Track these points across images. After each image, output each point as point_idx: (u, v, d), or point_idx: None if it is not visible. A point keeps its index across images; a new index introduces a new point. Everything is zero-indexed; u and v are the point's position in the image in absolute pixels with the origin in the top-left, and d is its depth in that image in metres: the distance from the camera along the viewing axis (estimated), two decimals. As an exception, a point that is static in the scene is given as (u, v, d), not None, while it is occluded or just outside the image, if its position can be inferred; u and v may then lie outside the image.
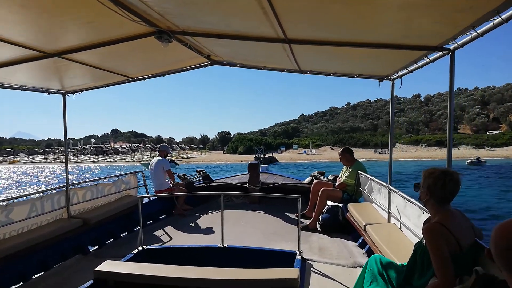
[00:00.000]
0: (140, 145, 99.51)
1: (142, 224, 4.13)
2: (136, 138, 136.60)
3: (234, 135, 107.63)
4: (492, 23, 2.26)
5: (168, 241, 5.38)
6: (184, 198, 7.07)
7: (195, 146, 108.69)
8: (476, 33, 2.46)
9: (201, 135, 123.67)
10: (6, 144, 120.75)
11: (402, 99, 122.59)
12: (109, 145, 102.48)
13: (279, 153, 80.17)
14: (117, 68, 4.66)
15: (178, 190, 7.02)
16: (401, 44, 3.13)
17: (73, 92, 5.33)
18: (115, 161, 70.95)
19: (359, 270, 3.52)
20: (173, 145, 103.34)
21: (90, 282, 2.95)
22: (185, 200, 7.14)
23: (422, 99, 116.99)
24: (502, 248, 1.29)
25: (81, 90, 5.35)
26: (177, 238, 5.48)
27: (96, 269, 3.00)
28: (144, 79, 5.26)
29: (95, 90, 5.51)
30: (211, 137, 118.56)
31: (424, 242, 2.21)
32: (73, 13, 2.72)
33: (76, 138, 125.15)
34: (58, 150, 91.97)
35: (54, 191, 5.10)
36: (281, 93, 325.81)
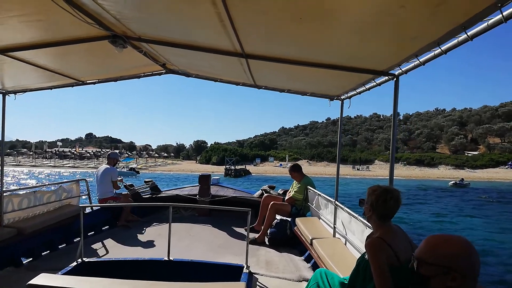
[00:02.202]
0: (109, 150, 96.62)
1: (83, 235, 3.91)
2: (109, 144, 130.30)
3: (211, 144, 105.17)
4: (433, 53, 2.48)
5: (110, 253, 5.12)
6: (130, 209, 6.81)
7: (166, 154, 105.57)
8: (418, 61, 2.68)
9: (176, 143, 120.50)
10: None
11: (381, 117, 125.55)
12: (74, 149, 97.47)
13: (254, 165, 78.35)
14: (65, 70, 4.45)
15: (124, 201, 6.75)
16: (351, 67, 3.31)
17: (15, 92, 4.99)
18: (76, 167, 66.97)
19: (304, 284, 3.58)
20: (142, 152, 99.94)
21: None
22: (131, 211, 6.87)
23: (401, 118, 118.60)
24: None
25: (24, 91, 5.03)
26: (120, 250, 5.23)
27: (29, 282, 2.77)
28: (94, 83, 5.07)
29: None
30: (187, 146, 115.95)
31: (366, 256, 2.31)
32: (19, 8, 2.58)
33: (49, 140, 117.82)
34: (15, 153, 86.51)
35: None
36: (263, 105, 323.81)
